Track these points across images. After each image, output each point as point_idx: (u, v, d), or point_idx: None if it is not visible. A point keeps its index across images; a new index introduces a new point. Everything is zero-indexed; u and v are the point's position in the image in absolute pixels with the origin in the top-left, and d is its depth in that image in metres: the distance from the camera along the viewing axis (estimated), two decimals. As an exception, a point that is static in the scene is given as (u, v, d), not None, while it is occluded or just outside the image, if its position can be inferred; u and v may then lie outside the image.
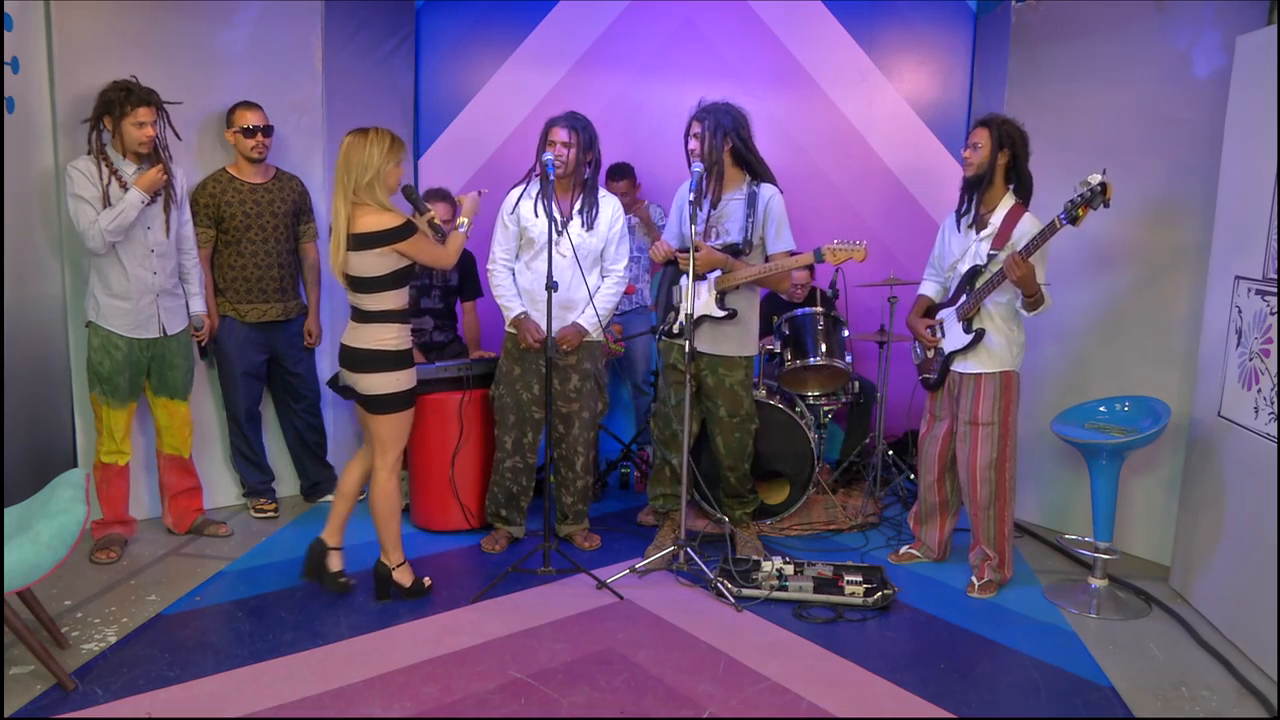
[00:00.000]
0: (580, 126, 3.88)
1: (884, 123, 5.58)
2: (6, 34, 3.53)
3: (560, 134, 3.85)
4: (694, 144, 3.85)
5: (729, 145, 3.85)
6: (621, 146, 5.35)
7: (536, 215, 3.93)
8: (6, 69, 3.54)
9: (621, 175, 5.19)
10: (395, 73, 5.41)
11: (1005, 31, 4.75)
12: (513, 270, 4.06)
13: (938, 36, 5.52)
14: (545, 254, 3.77)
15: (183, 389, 4.06)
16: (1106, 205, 3.37)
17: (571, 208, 3.96)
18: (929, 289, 4.03)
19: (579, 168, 3.90)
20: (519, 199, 3.99)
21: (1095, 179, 3.34)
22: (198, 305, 4.11)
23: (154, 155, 3.78)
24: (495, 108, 5.64)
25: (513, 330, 4.04)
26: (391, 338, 3.37)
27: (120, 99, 3.68)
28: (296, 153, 4.57)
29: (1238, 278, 3.57)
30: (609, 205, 4.02)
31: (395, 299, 3.37)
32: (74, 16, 3.90)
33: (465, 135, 5.65)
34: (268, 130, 4.23)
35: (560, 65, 5.62)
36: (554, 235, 3.72)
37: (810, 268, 5.01)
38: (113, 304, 3.80)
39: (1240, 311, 3.54)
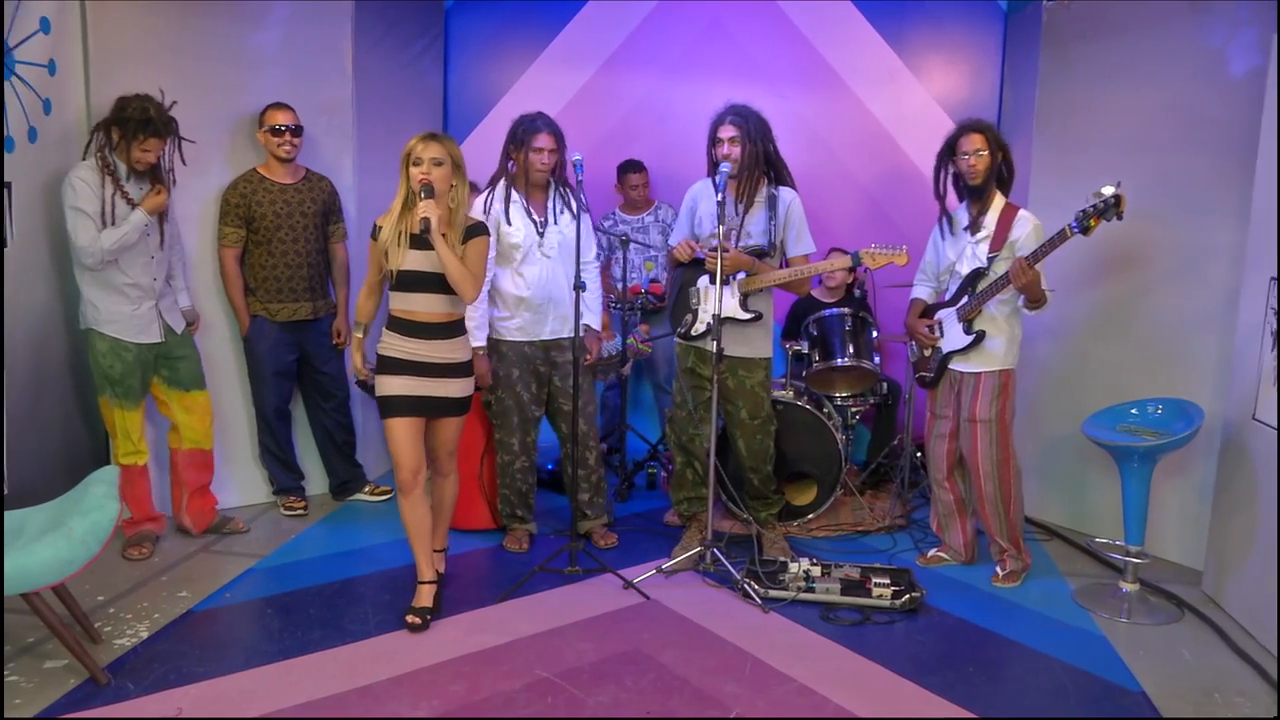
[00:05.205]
0: (559, 131, 3.96)
1: (913, 123, 5.55)
2: (44, 37, 3.58)
3: (547, 141, 3.90)
4: (730, 149, 3.81)
5: (761, 150, 3.85)
6: (648, 146, 5.35)
7: (510, 223, 3.92)
8: (43, 71, 3.60)
9: (636, 169, 5.22)
10: (425, 73, 5.45)
11: (1036, 31, 4.70)
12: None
13: (968, 36, 5.48)
14: (532, 259, 3.92)
15: (198, 378, 4.06)
16: (1119, 218, 3.37)
17: (546, 208, 4.00)
18: (922, 292, 4.09)
19: (557, 169, 3.99)
20: (486, 208, 3.94)
21: (1109, 190, 3.35)
22: (185, 300, 4.10)
23: (152, 172, 3.77)
24: (524, 108, 5.55)
25: (495, 337, 4.02)
26: (383, 342, 3.36)
27: (137, 124, 3.62)
28: (327, 154, 4.61)
29: (1273, 279, 3.51)
30: (570, 198, 4.06)
31: (392, 301, 3.35)
32: (109, 19, 3.94)
33: (494, 135, 5.60)
34: (296, 130, 4.25)
35: (589, 65, 5.63)
36: (538, 239, 3.87)
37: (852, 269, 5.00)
38: (116, 310, 3.75)
39: (1275, 313, 3.48)
